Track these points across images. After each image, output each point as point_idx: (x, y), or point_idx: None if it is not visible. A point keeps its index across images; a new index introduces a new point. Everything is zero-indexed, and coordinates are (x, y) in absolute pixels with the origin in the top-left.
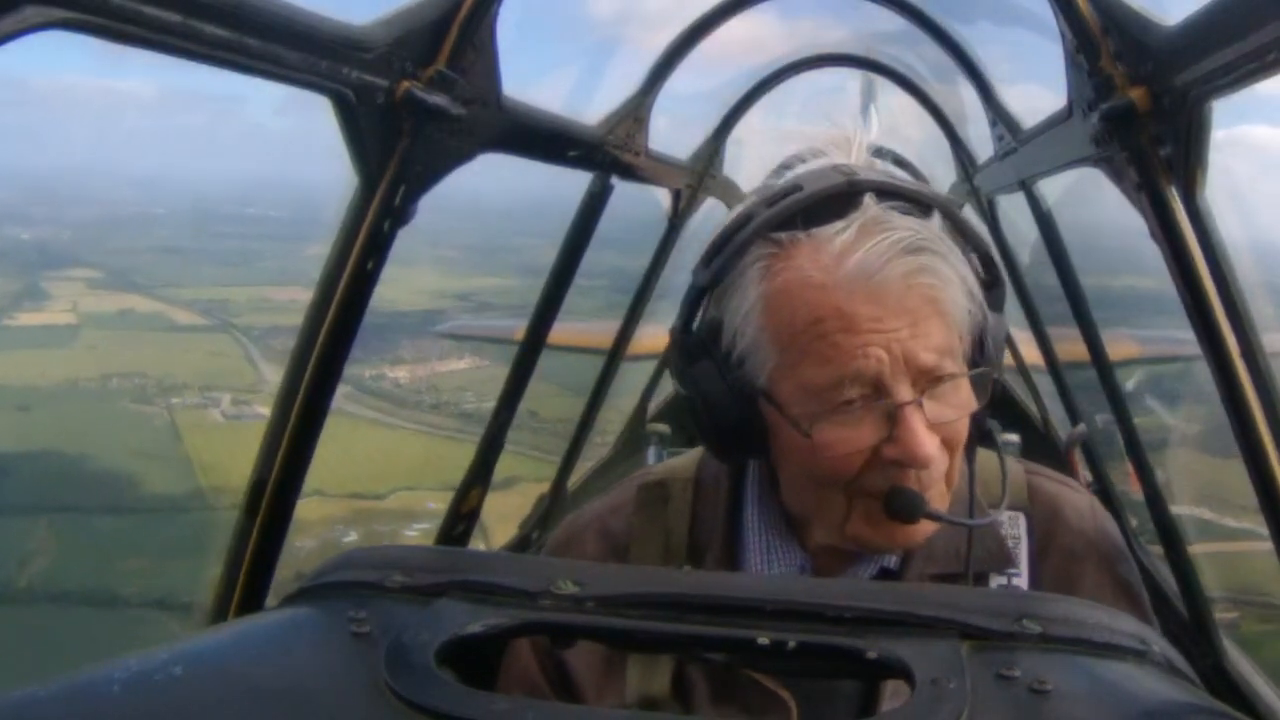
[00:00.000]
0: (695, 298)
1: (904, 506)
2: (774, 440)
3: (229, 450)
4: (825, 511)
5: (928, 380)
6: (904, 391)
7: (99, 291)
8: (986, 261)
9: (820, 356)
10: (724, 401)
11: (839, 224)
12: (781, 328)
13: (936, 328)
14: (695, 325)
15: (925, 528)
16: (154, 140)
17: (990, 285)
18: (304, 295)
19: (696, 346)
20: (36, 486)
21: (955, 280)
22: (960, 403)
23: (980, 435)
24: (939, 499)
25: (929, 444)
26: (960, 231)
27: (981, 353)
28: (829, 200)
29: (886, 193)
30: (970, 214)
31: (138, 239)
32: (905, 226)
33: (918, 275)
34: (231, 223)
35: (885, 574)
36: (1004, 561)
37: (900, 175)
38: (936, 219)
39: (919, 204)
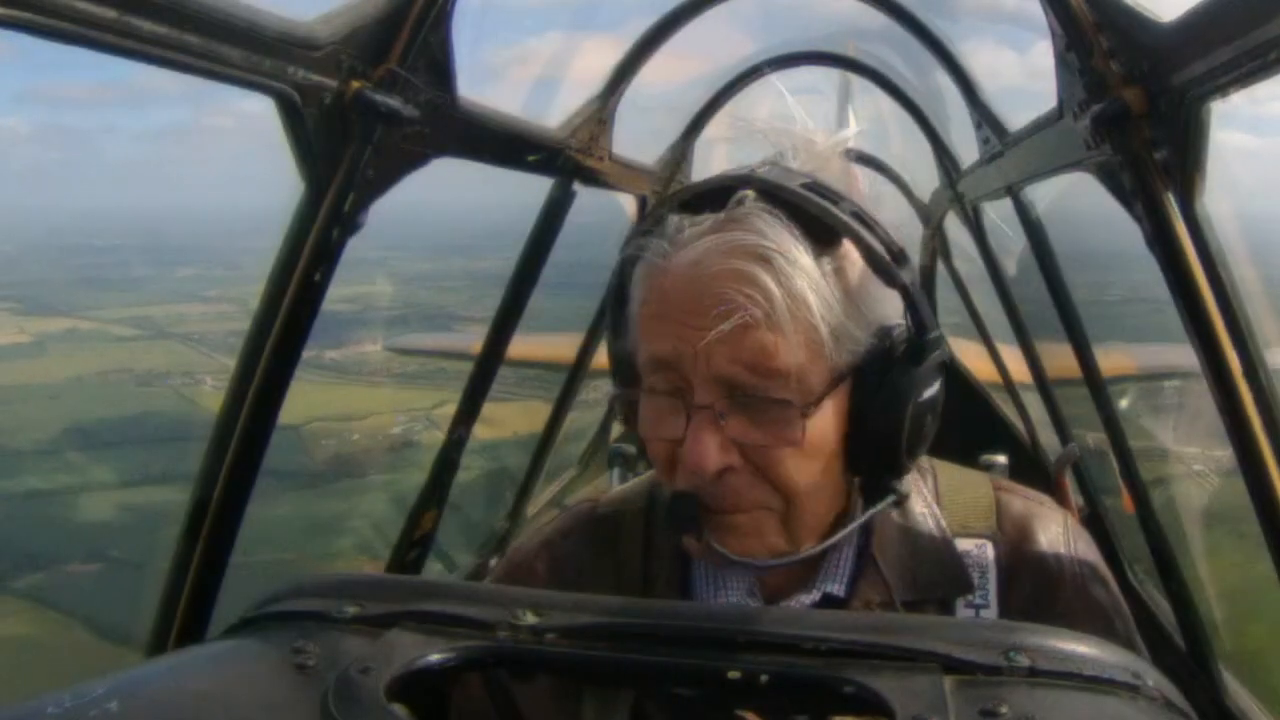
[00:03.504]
0: (615, 272)
1: (676, 512)
2: None
3: None
4: None
5: (740, 394)
6: (702, 395)
7: (28, 317)
8: (909, 303)
9: (645, 335)
10: (620, 369)
11: (706, 215)
12: (635, 302)
13: (755, 342)
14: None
15: (727, 548)
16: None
17: (909, 333)
18: (202, 309)
19: (615, 316)
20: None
21: (797, 303)
22: (780, 435)
23: (877, 490)
24: (755, 534)
25: (709, 454)
26: (871, 264)
27: (859, 389)
28: (706, 194)
29: (776, 199)
30: (954, 221)
31: (8, 273)
32: (761, 233)
33: (739, 282)
34: (83, 253)
35: (829, 600)
36: (963, 586)
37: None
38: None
39: (816, 221)
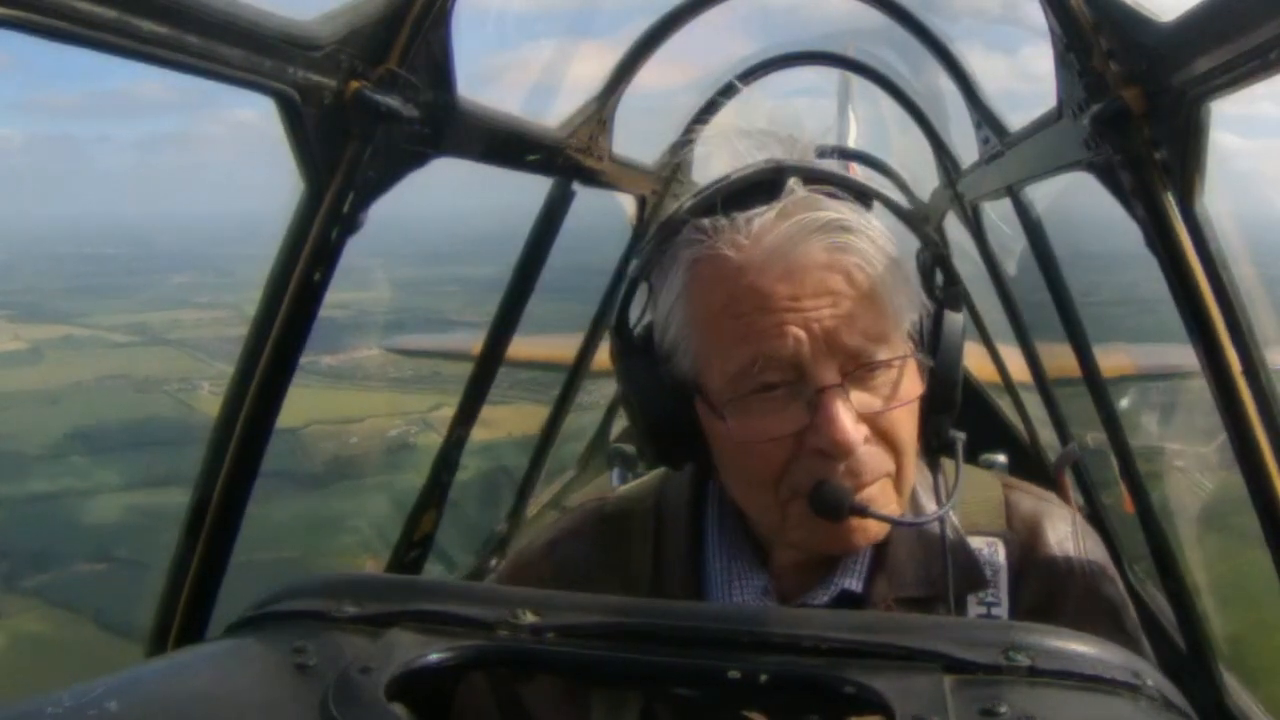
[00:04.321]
0: (628, 289)
1: (828, 501)
2: (710, 439)
3: None
4: (763, 516)
5: (855, 365)
6: (827, 375)
7: (24, 324)
8: (939, 257)
9: (737, 337)
10: (656, 395)
11: (762, 208)
12: (700, 311)
13: (864, 311)
14: (638, 320)
15: (865, 527)
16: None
17: (944, 283)
18: (197, 315)
19: (630, 339)
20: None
21: (886, 265)
22: (896, 394)
23: (940, 444)
24: (884, 501)
25: (851, 430)
26: (905, 222)
27: (924, 345)
28: (755, 186)
29: (815, 179)
30: (954, 221)
31: (2, 281)
32: (831, 209)
33: (839, 254)
34: (73, 262)
35: (847, 596)
36: (977, 582)
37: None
38: (876, 211)
39: (856, 193)
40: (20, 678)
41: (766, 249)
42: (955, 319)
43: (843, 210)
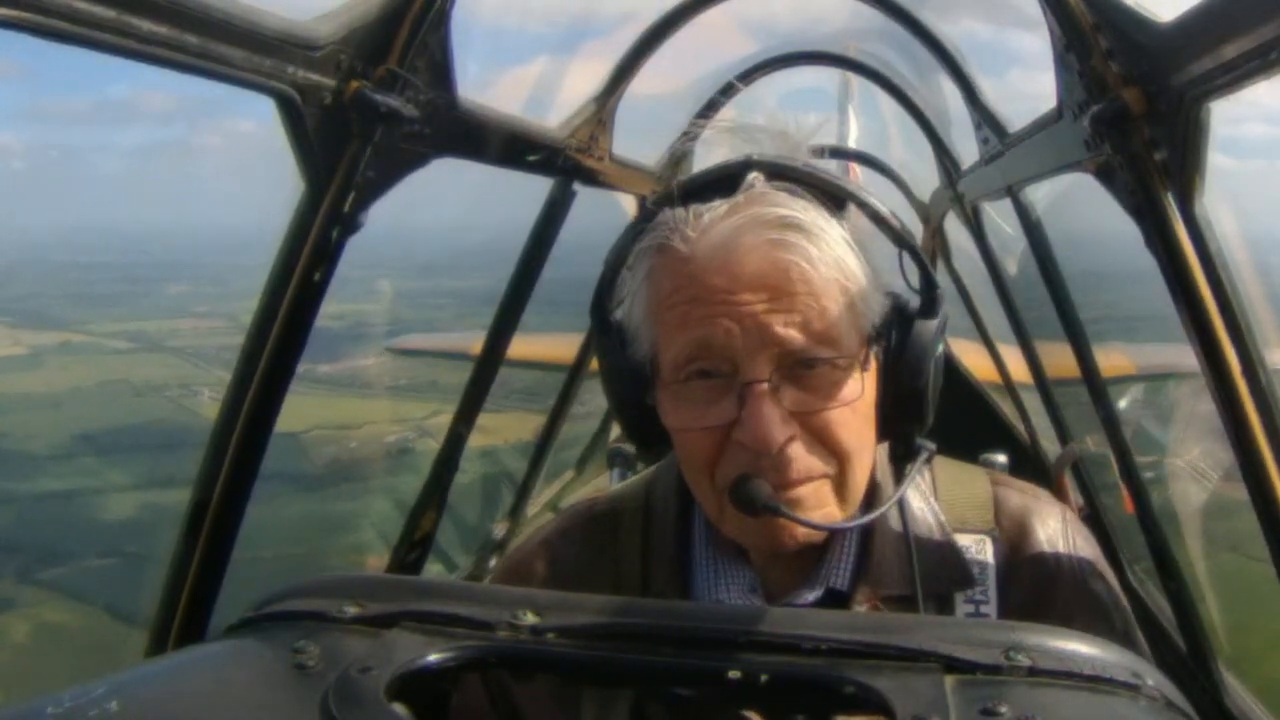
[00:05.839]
0: (607, 275)
1: (743, 496)
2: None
3: None
4: (706, 506)
5: (791, 361)
6: (757, 369)
7: (22, 329)
8: (916, 260)
9: (676, 326)
10: (624, 376)
11: (717, 201)
12: (652, 299)
13: (804, 308)
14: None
15: (792, 527)
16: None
17: (920, 288)
18: (194, 324)
19: (605, 325)
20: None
21: (835, 265)
22: (836, 396)
23: (905, 453)
24: (815, 503)
25: (772, 427)
26: (877, 224)
27: (884, 351)
28: (715, 180)
29: (782, 175)
30: (954, 221)
31: (6, 288)
32: (782, 205)
33: (778, 250)
34: (72, 270)
35: (832, 595)
36: (965, 580)
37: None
38: (852, 213)
39: (826, 192)
40: (40, 661)
41: (710, 242)
42: (928, 325)
43: (797, 208)
